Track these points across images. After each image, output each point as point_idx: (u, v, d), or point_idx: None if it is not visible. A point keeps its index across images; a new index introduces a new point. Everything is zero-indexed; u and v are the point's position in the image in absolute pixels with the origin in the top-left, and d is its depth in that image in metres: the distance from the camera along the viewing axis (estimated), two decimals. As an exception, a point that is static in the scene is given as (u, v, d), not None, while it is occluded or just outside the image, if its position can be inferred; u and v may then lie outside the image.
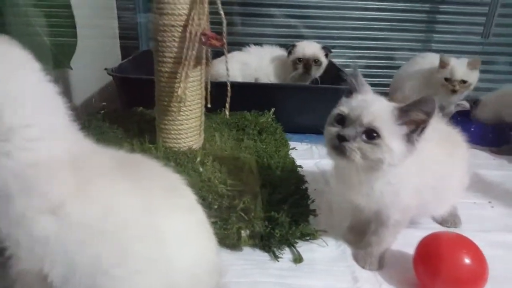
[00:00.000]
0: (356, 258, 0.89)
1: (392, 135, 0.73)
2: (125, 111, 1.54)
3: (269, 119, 1.54)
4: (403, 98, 1.97)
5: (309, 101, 1.63)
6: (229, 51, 1.83)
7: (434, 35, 2.40)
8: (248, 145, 1.29)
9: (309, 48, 1.85)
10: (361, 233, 0.92)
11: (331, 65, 1.93)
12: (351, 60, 2.39)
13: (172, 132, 1.18)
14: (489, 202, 1.21)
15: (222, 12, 1.04)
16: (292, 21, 2.34)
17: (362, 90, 0.81)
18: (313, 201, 1.04)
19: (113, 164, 0.64)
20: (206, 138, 1.30)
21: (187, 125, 1.18)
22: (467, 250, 0.76)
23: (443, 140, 0.91)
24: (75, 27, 1.56)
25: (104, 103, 1.79)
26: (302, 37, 2.29)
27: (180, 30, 1.06)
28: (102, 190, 0.59)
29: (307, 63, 1.82)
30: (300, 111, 1.62)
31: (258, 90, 1.69)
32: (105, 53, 2.15)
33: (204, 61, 1.16)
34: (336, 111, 0.80)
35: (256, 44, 2.04)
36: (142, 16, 2.38)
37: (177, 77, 1.09)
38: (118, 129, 1.35)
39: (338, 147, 0.74)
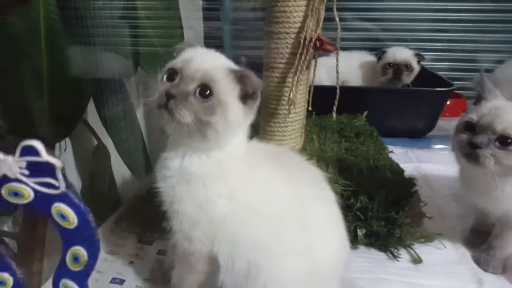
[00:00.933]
0: (478, 261, 0.89)
1: None
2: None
3: (363, 122, 1.55)
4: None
5: (402, 104, 1.63)
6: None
7: None
8: (348, 147, 1.31)
9: (400, 53, 1.85)
10: (483, 236, 0.91)
11: (422, 68, 1.90)
12: (432, 63, 2.34)
13: (277, 134, 1.24)
14: None
15: (337, 18, 1.08)
16: (368, 24, 2.33)
17: (491, 97, 0.81)
18: (425, 204, 1.04)
19: (267, 155, 0.71)
20: (306, 140, 1.34)
21: (292, 127, 1.23)
22: None
23: None
24: (183, 37, 1.69)
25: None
26: (378, 40, 2.28)
27: (294, 37, 1.12)
28: (262, 177, 0.68)
29: (398, 69, 1.81)
30: (393, 114, 1.62)
31: (350, 93, 1.71)
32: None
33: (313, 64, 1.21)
34: (465, 118, 0.82)
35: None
36: (227, 25, 2.51)
37: (288, 82, 1.14)
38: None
39: (471, 154, 0.76)
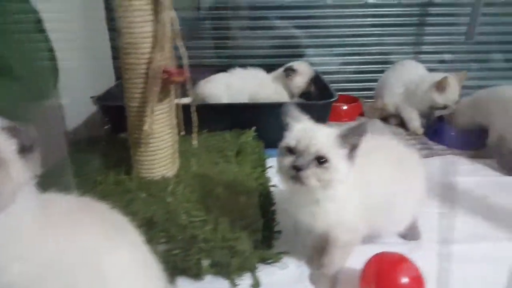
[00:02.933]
0: (312, 279, 0.96)
1: (337, 157, 0.85)
2: (110, 138, 1.63)
3: (250, 138, 1.60)
4: (383, 105, 2.03)
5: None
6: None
7: (424, 37, 2.43)
8: (223, 169, 1.35)
9: (310, 68, 1.97)
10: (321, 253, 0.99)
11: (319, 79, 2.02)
12: (339, 67, 2.46)
13: (145, 163, 1.26)
14: (455, 210, 1.26)
15: (183, 49, 1.12)
16: (278, 32, 2.40)
17: (299, 121, 0.92)
18: (278, 223, 1.10)
19: (64, 208, 0.72)
20: (183, 164, 1.37)
21: (160, 155, 1.26)
22: (405, 272, 0.82)
23: (394, 161, 0.99)
24: (55, 59, 1.64)
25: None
26: (286, 47, 2.38)
27: (145, 68, 1.14)
28: (55, 233, 0.67)
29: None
30: (280, 127, 1.67)
31: (240, 109, 1.75)
32: (100, 73, 2.25)
33: (174, 92, 1.24)
34: (284, 144, 0.90)
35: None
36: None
37: (145, 112, 1.17)
38: (100, 157, 1.43)
39: (295, 176, 0.84)
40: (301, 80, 1.93)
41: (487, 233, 1.16)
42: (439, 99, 1.78)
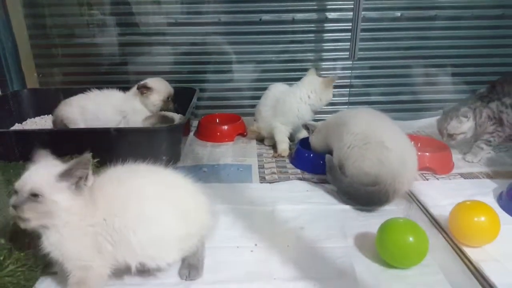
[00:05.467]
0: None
1: (54, 191, 0.95)
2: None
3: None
4: (258, 128, 2.05)
5: (138, 142, 1.69)
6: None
7: (322, 54, 2.49)
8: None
9: (167, 85, 1.97)
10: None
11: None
12: (236, 84, 2.49)
13: None
14: (255, 244, 1.24)
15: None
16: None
17: (40, 160, 1.03)
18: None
19: None
20: None
21: None
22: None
23: (135, 191, 1.03)
24: None
25: None
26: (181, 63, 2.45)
27: None
28: None
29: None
30: (130, 152, 1.62)
31: (88, 135, 1.71)
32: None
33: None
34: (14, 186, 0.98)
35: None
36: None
37: None
38: None
39: (17, 215, 0.95)
40: (157, 98, 1.91)
41: (274, 272, 1.11)
42: (330, 95, 1.88)
